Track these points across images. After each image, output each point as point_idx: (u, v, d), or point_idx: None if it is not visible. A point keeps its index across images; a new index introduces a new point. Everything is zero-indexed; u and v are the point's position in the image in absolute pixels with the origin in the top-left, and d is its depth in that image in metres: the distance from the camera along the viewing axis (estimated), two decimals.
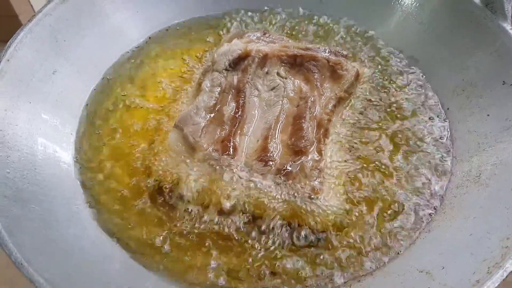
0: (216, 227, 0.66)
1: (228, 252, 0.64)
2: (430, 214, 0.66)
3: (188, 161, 0.71)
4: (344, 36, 0.94)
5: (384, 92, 0.85)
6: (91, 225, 0.65)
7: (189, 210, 0.67)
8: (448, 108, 0.81)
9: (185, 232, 0.66)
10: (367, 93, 0.84)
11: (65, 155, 0.73)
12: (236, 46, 0.81)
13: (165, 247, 0.65)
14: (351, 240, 0.64)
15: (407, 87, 0.85)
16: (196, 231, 0.66)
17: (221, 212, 0.67)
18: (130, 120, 0.81)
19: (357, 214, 0.66)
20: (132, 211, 0.69)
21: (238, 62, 0.81)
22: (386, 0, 0.93)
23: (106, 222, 0.67)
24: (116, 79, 0.87)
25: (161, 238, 0.66)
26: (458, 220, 0.62)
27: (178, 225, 0.67)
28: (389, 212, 0.67)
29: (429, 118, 0.80)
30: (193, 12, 0.99)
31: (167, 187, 0.70)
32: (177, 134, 0.73)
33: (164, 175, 0.71)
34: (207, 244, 0.65)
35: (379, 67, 0.89)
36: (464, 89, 0.80)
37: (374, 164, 0.73)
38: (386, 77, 0.87)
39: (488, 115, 0.73)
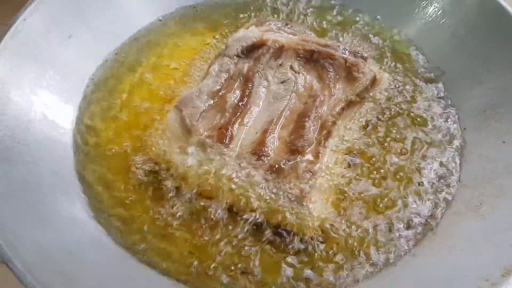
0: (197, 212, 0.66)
1: (201, 239, 0.63)
2: (419, 238, 0.63)
3: (182, 143, 0.71)
4: (371, 37, 0.90)
5: (401, 102, 0.80)
6: (73, 195, 0.66)
7: (174, 190, 0.67)
8: (465, 128, 0.75)
9: (165, 213, 0.66)
10: (382, 100, 0.80)
11: (63, 121, 0.73)
12: (252, 33, 0.78)
13: (145, 228, 0.65)
14: (330, 252, 0.61)
15: (426, 99, 0.80)
16: (178, 213, 0.66)
17: (204, 196, 0.67)
18: (136, 95, 0.81)
19: (341, 225, 0.64)
20: (120, 186, 0.69)
21: (251, 50, 0.78)
22: (419, 4, 0.88)
23: (89, 194, 0.68)
24: (129, 53, 0.87)
25: (143, 217, 0.67)
26: (444, 250, 0.58)
27: (164, 206, 0.67)
28: (377, 228, 0.64)
29: (443, 136, 0.75)
30: None
31: (158, 166, 0.70)
32: (176, 115, 0.72)
33: (158, 153, 0.71)
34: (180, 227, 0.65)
35: (401, 74, 0.84)
36: (486, 111, 0.74)
37: (371, 177, 0.70)
38: (406, 86, 0.82)
39: (504, 142, 0.68)
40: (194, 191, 0.67)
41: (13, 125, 0.65)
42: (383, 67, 0.84)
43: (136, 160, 0.71)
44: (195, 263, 0.61)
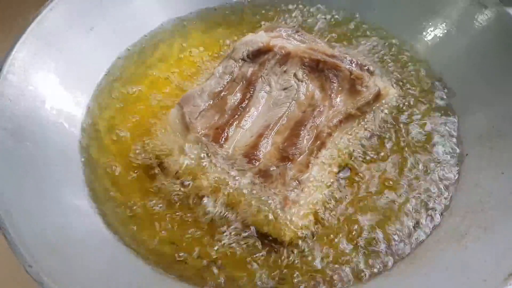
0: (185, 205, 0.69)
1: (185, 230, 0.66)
2: (395, 260, 0.62)
3: (180, 139, 0.74)
4: (383, 51, 0.89)
5: (405, 120, 0.79)
6: (76, 178, 0.70)
7: (166, 183, 0.71)
8: (467, 154, 0.73)
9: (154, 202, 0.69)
10: (385, 116, 0.79)
11: (76, 107, 0.78)
12: (259, 38, 0.80)
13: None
14: (305, 265, 0.62)
15: (432, 121, 0.78)
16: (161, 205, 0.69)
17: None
18: (150, 90, 0.85)
19: (320, 238, 0.64)
20: (121, 174, 0.73)
21: (257, 55, 0.80)
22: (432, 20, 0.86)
23: (92, 177, 0.72)
24: (146, 49, 0.91)
25: (138, 205, 0.70)
26: (419, 274, 0.58)
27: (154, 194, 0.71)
28: (355, 244, 0.64)
29: (442, 160, 0.73)
30: None
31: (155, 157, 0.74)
32: (178, 111, 0.75)
33: (157, 144, 0.75)
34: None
35: (409, 90, 0.83)
36: (491, 139, 0.72)
37: (358, 197, 0.69)
38: (412, 104, 0.81)
39: (502, 173, 0.66)
40: (189, 185, 0.70)
41: (29, 106, 0.71)
42: (391, 82, 0.83)
43: (137, 148, 0.75)
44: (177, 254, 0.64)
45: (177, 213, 0.67)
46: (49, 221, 0.62)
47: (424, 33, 0.87)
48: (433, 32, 0.86)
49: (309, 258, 0.63)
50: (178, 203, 0.69)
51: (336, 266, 0.62)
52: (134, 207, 0.69)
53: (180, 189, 0.69)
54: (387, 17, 0.90)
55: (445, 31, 0.84)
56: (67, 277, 0.55)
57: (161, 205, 0.69)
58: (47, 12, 0.77)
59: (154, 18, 0.94)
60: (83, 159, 0.74)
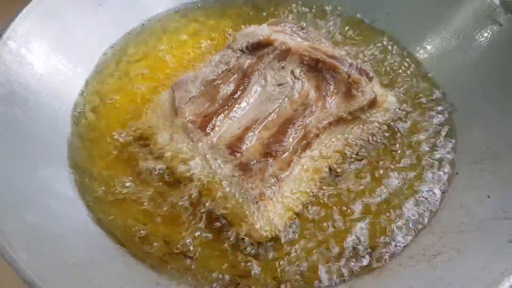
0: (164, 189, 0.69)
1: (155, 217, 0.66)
2: (362, 271, 0.60)
3: (168, 122, 0.74)
4: (392, 62, 0.86)
5: (399, 130, 0.77)
6: (61, 146, 0.71)
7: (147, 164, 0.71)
8: (457, 173, 0.70)
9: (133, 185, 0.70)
10: (381, 124, 0.77)
11: (73, 80, 0.79)
12: (260, 31, 0.79)
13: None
14: (273, 264, 0.61)
15: (427, 134, 0.76)
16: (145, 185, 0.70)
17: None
18: (151, 70, 0.85)
19: (291, 240, 0.64)
20: (105, 144, 0.74)
21: (257, 47, 0.79)
22: (448, 35, 0.82)
23: (76, 152, 0.73)
24: (153, 29, 0.91)
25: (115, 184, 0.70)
26: None
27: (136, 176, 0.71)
28: (322, 253, 0.63)
29: (431, 176, 0.71)
30: None
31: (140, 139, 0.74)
32: (169, 95, 0.75)
33: (145, 126, 0.75)
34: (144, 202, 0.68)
35: (410, 101, 0.80)
36: (484, 160, 0.69)
37: (338, 204, 0.68)
38: (410, 115, 0.78)
39: (488, 196, 0.63)
40: (167, 168, 0.70)
41: (25, 73, 0.72)
42: (390, 91, 0.80)
43: (126, 126, 0.76)
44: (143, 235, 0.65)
45: (150, 194, 0.68)
46: (28, 190, 0.63)
47: (431, 44, 0.85)
48: (443, 44, 0.83)
49: (277, 258, 0.62)
50: (155, 185, 0.69)
51: (301, 270, 0.61)
52: (112, 186, 0.69)
53: (158, 172, 0.69)
54: (396, 23, 0.88)
55: (453, 44, 0.81)
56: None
57: (136, 185, 0.69)
58: None
59: (165, 1, 0.94)
60: (71, 133, 0.75)
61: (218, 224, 0.65)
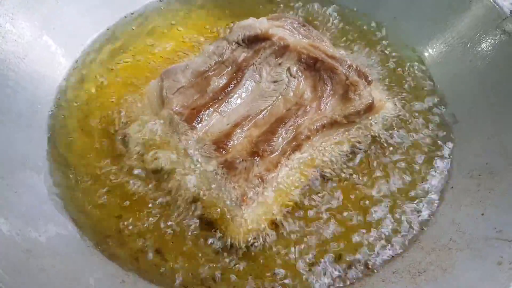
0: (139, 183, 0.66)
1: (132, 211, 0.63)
2: (342, 282, 0.57)
3: (154, 111, 0.71)
4: (390, 61, 0.83)
5: (395, 138, 0.73)
6: (38, 131, 0.69)
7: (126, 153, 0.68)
8: (452, 187, 0.67)
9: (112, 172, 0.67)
10: (376, 131, 0.73)
11: (60, 62, 0.76)
12: (258, 24, 0.76)
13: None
14: (246, 271, 0.59)
15: (424, 143, 0.73)
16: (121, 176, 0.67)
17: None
18: (142, 57, 0.82)
19: (268, 247, 0.61)
20: (85, 130, 0.71)
21: (254, 41, 0.75)
22: (453, 42, 0.79)
23: (54, 136, 0.70)
24: (148, 17, 0.88)
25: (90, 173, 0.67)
26: None
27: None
28: (302, 260, 0.60)
29: (423, 189, 0.68)
30: None
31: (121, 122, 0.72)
32: (158, 83, 0.72)
33: (128, 113, 0.72)
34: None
35: (408, 109, 0.77)
36: (481, 175, 0.65)
37: (321, 212, 0.65)
38: (408, 122, 0.75)
39: (482, 214, 0.60)
40: (147, 159, 0.67)
41: (8, 50, 0.69)
42: (391, 95, 0.77)
43: (107, 114, 0.73)
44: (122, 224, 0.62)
45: (127, 185, 0.65)
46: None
47: (436, 50, 0.81)
48: (447, 50, 0.80)
49: (253, 265, 0.59)
50: (132, 177, 0.66)
51: (279, 280, 0.58)
52: (86, 176, 0.67)
53: (136, 163, 0.66)
54: (401, 28, 0.85)
55: (459, 52, 0.77)
56: None
57: (114, 176, 0.67)
58: None
59: None
60: (51, 116, 0.72)
61: (194, 221, 0.62)
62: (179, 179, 0.65)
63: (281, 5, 0.92)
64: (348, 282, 0.58)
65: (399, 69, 0.82)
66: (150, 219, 0.62)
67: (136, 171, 0.66)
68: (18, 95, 0.67)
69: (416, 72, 0.81)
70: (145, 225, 0.61)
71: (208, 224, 0.63)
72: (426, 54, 0.82)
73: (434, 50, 0.81)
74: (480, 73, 0.74)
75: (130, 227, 0.61)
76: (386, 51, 0.84)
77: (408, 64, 0.82)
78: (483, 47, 0.74)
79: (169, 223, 0.62)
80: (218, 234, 0.61)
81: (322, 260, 0.60)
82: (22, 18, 0.71)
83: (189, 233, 0.61)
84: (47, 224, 0.58)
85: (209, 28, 0.87)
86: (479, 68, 0.74)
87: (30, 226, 0.56)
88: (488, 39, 0.73)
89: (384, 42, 0.86)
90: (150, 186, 0.65)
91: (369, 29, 0.87)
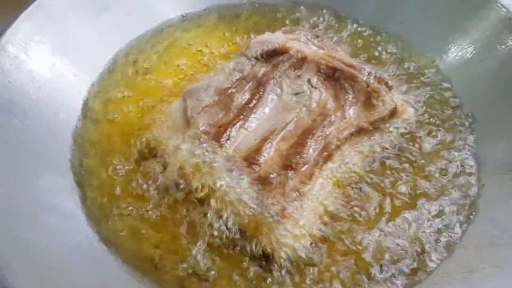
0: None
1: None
2: None
3: (180, 132, 0.69)
4: (406, 66, 0.84)
5: (420, 142, 0.74)
6: (62, 159, 0.66)
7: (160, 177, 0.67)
8: (483, 185, 0.68)
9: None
10: (400, 136, 0.74)
11: (76, 88, 0.75)
12: (276, 39, 0.76)
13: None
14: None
15: (447, 144, 0.74)
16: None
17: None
18: (160, 77, 0.81)
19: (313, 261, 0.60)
20: (111, 152, 0.70)
21: (272, 55, 0.76)
22: (467, 44, 0.81)
23: (78, 162, 0.69)
24: (160, 37, 0.88)
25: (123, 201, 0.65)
26: None
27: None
28: (350, 273, 0.59)
29: (455, 189, 0.68)
30: None
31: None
32: (180, 104, 0.71)
33: (154, 137, 0.71)
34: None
35: (428, 111, 0.78)
36: (511, 170, 0.66)
37: (360, 221, 0.64)
38: (430, 126, 0.76)
39: None
40: (181, 183, 0.65)
41: (25, 81, 0.67)
42: (409, 101, 0.78)
43: (132, 138, 0.71)
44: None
45: (160, 210, 0.64)
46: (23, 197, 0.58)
47: (450, 53, 0.83)
48: (460, 53, 0.82)
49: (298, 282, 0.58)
50: (165, 199, 0.65)
51: None
52: (119, 200, 0.65)
53: (167, 185, 0.65)
54: (412, 32, 0.86)
55: (473, 53, 0.79)
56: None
57: (144, 200, 0.65)
58: None
59: (171, 8, 0.90)
60: (73, 144, 0.70)
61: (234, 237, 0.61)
62: (211, 198, 0.64)
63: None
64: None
65: (413, 73, 0.84)
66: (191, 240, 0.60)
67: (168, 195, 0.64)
68: (39, 127, 0.65)
69: (429, 75, 0.82)
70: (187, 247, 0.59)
71: (247, 245, 0.61)
72: (438, 58, 0.84)
73: (446, 53, 0.83)
74: (494, 73, 0.76)
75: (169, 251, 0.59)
76: (397, 57, 0.86)
77: (425, 70, 0.83)
78: (494, 48, 0.76)
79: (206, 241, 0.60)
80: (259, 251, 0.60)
81: (369, 268, 0.59)
82: (35, 45, 0.69)
83: (226, 253, 0.60)
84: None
85: (227, 47, 0.87)
86: (492, 69, 0.76)
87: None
88: (498, 40, 0.75)
89: (393, 47, 0.87)
90: (186, 208, 0.64)
91: (378, 36, 0.89)
